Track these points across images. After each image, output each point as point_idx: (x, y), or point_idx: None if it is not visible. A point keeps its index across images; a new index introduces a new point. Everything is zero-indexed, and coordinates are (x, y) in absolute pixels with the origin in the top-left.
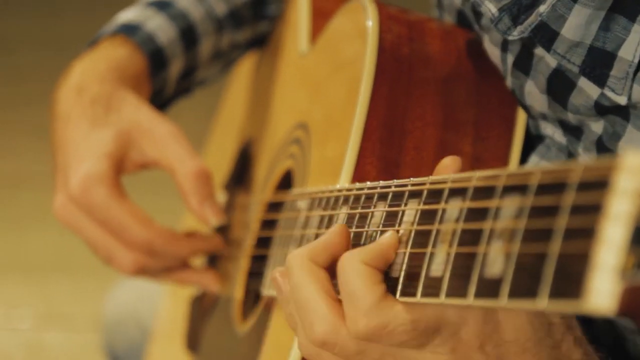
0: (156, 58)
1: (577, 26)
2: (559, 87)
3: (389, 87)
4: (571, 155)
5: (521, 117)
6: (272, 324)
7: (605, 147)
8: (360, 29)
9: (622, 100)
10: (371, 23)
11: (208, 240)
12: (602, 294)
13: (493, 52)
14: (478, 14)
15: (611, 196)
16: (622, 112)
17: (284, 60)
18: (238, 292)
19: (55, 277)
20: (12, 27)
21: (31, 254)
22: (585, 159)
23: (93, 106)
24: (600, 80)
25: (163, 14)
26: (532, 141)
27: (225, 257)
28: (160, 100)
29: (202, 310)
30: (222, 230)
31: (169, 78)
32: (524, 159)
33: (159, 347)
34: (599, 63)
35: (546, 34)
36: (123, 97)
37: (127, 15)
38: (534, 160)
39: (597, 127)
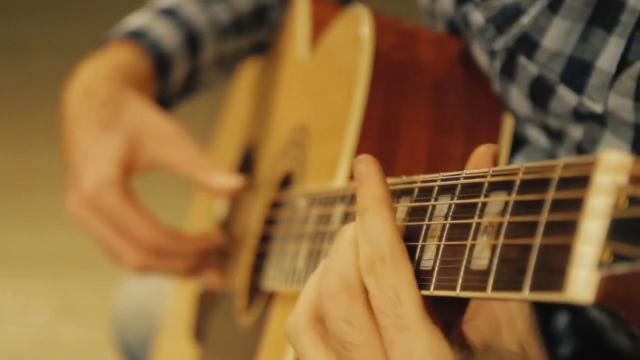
0: (161, 63)
1: (557, 37)
2: (540, 93)
3: (383, 91)
4: (554, 158)
5: (508, 121)
6: (272, 318)
7: (585, 151)
8: (356, 37)
9: (598, 107)
10: (367, 31)
11: (212, 238)
12: (581, 285)
13: (482, 58)
14: (468, 22)
15: (590, 192)
16: (599, 119)
17: (285, 66)
18: (241, 286)
19: (70, 272)
20: (27, 33)
21: (47, 250)
22: None
23: (101, 109)
24: (579, 88)
25: (169, 21)
26: (518, 144)
27: (229, 254)
28: (164, 101)
29: (208, 304)
30: (226, 228)
31: (173, 81)
32: (509, 161)
33: (167, 340)
34: (578, 72)
35: (528, 44)
36: (130, 99)
37: (135, 22)
38: (519, 162)
39: (577, 132)
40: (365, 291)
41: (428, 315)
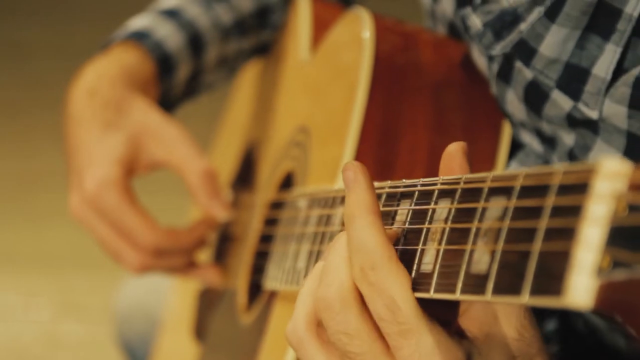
0: (164, 63)
1: (554, 44)
2: (534, 97)
3: (384, 93)
4: (547, 163)
5: (507, 123)
6: (273, 316)
7: (577, 158)
8: (358, 39)
9: (594, 114)
10: (368, 34)
11: (204, 224)
12: (580, 290)
13: (480, 61)
14: (467, 26)
15: (589, 199)
16: (592, 126)
17: (286, 67)
18: (242, 285)
19: (72, 270)
20: (30, 35)
21: (49, 249)
22: None
23: (104, 109)
24: (575, 94)
25: (172, 23)
26: (513, 148)
27: (230, 253)
28: (168, 102)
29: (208, 302)
30: (228, 227)
31: (176, 82)
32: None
33: (168, 337)
34: (574, 78)
35: (526, 51)
36: (133, 100)
37: (138, 23)
38: (513, 167)
39: (568, 138)
40: (360, 299)
41: (425, 314)
